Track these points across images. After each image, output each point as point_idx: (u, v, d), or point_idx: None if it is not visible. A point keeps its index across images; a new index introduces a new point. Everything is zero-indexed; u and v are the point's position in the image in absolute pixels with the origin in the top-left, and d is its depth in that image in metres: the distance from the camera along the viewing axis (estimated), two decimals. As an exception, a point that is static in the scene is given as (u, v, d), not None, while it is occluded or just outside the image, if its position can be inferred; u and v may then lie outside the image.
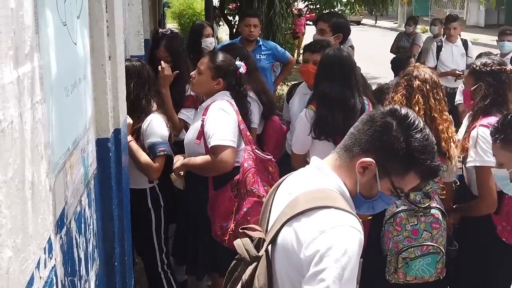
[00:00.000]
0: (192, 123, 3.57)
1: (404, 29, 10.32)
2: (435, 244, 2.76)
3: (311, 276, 1.47)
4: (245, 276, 1.61)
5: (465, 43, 7.32)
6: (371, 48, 16.52)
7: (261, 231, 1.70)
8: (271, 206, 1.76)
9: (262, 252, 1.62)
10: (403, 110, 1.66)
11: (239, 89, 3.33)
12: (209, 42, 5.04)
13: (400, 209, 2.73)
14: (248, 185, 3.02)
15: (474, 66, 3.12)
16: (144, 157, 3.12)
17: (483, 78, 3.03)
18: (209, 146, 3.09)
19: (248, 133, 3.30)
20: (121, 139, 2.46)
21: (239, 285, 1.63)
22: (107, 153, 2.30)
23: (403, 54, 9.37)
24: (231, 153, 3.06)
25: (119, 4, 2.48)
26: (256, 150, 3.22)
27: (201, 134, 3.15)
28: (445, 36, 7.47)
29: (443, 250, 2.78)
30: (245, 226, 1.74)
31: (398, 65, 5.36)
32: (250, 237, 1.67)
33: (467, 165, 2.93)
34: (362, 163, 1.62)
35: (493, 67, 3.04)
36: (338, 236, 1.49)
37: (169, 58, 3.89)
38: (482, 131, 2.90)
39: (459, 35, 7.40)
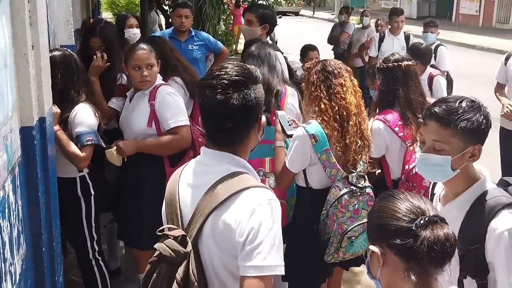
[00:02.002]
0: (125, 110, 3.62)
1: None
2: None
3: (249, 252, 1.62)
4: (179, 275, 1.67)
5: (407, 37, 7.62)
6: (309, 39, 16.83)
7: (178, 229, 1.76)
8: (179, 202, 1.81)
9: (189, 247, 1.70)
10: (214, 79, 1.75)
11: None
12: (132, 33, 5.07)
13: (343, 191, 2.89)
14: None
15: (378, 63, 3.39)
16: (71, 146, 3.15)
17: (381, 75, 3.31)
18: (169, 128, 3.37)
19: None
20: (46, 127, 2.50)
21: (174, 285, 1.67)
22: (32, 141, 2.33)
23: (334, 42, 9.79)
24: (189, 131, 3.43)
25: (42, -6, 2.50)
26: (197, 127, 3.52)
27: (153, 118, 3.38)
28: (389, 28, 7.78)
29: None
30: (161, 227, 1.80)
31: (304, 52, 5.77)
32: (168, 236, 1.73)
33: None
34: (261, 124, 1.82)
35: (388, 64, 3.29)
36: (265, 211, 1.66)
37: (103, 47, 3.91)
38: (376, 125, 3.25)
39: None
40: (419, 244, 1.49)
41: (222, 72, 1.75)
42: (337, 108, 2.91)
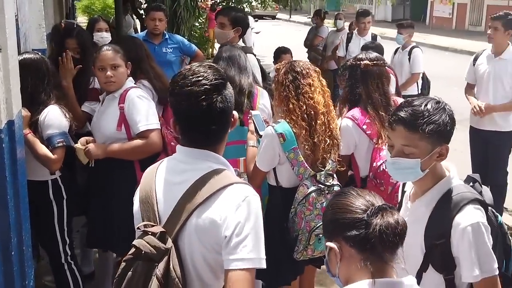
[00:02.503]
0: (96, 113, 3.61)
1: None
2: None
3: (235, 246, 1.67)
4: (159, 271, 1.69)
5: (374, 37, 7.75)
6: (285, 42, 16.93)
7: (156, 225, 1.78)
8: (156, 199, 1.83)
9: (169, 243, 1.73)
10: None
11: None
12: (100, 37, 5.02)
13: (311, 189, 2.94)
14: None
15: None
16: (42, 149, 3.13)
17: (346, 72, 3.38)
18: (139, 131, 3.29)
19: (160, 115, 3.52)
20: (15, 130, 2.48)
21: (153, 282, 1.69)
22: (0, 144, 2.31)
23: (309, 46, 9.88)
24: (159, 135, 3.35)
25: (9, -4, 2.49)
26: (170, 130, 3.42)
27: (122, 121, 3.32)
28: (356, 29, 7.89)
29: None
30: (140, 224, 1.81)
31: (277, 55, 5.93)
32: (147, 233, 1.75)
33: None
34: (235, 121, 1.88)
35: (352, 62, 3.36)
36: (249, 206, 1.72)
37: (78, 50, 3.90)
38: (345, 122, 3.29)
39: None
40: (371, 231, 1.55)
41: (200, 78, 1.77)
42: (305, 107, 2.96)
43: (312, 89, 2.98)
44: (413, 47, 6.71)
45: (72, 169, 3.50)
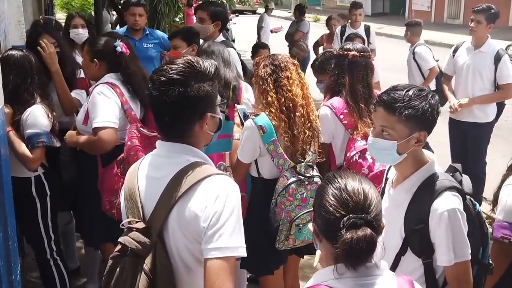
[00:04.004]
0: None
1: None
2: None
3: (212, 235, 1.70)
4: (147, 265, 1.73)
5: (367, 30, 7.82)
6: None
7: (140, 221, 1.81)
8: (139, 195, 1.85)
9: (155, 238, 1.76)
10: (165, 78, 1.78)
11: (124, 69, 3.44)
12: (75, 33, 4.97)
13: (291, 180, 2.98)
14: (131, 162, 3.12)
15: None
16: (21, 147, 3.14)
17: (333, 61, 3.42)
18: (92, 127, 3.27)
19: (133, 113, 3.43)
20: (-2, 127, 2.48)
21: (141, 276, 1.72)
22: (-17, 141, 2.32)
23: (291, 40, 9.93)
24: (111, 133, 3.24)
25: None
26: (141, 128, 3.35)
27: (87, 116, 3.34)
28: (349, 22, 7.96)
29: None
30: (125, 221, 1.83)
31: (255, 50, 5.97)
32: (132, 229, 1.78)
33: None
34: (204, 121, 1.83)
35: (339, 52, 3.40)
36: (227, 195, 1.75)
37: (55, 44, 3.87)
38: (324, 111, 3.32)
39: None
40: (339, 244, 1.48)
41: (165, 68, 1.80)
42: (283, 100, 3.00)
43: (290, 81, 3.03)
44: (416, 46, 6.50)
45: (56, 165, 3.51)
